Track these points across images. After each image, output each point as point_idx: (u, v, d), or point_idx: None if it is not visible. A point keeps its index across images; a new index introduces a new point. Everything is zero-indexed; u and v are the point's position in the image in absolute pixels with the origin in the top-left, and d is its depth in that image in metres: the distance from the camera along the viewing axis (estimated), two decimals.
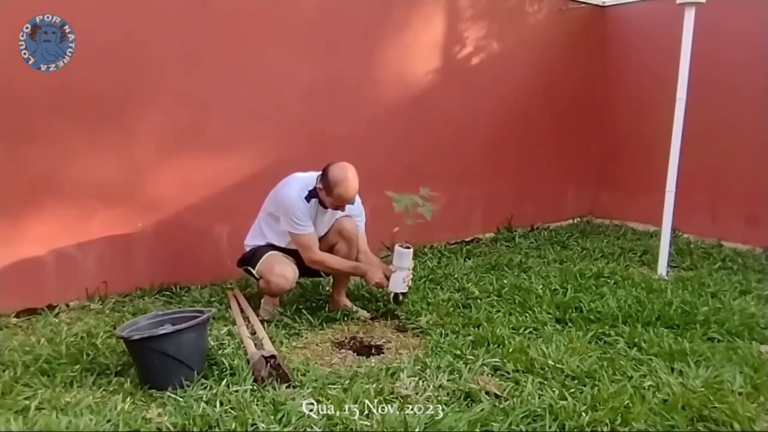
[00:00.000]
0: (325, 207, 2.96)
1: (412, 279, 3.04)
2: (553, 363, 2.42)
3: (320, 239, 3.07)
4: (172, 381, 2.23)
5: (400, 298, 2.99)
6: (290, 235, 2.95)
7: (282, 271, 2.90)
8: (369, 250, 3.17)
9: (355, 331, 2.90)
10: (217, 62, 3.50)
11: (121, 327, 2.40)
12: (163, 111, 3.37)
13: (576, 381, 2.30)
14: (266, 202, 3.08)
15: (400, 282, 2.92)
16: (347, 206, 2.98)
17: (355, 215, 3.10)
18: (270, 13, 3.65)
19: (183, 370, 2.25)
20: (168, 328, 2.31)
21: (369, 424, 1.99)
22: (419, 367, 2.42)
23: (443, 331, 2.83)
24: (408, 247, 2.93)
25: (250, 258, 3.04)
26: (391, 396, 2.19)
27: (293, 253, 3.03)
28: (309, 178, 2.97)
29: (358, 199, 3.08)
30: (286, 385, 2.25)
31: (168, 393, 2.17)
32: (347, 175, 2.82)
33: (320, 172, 2.91)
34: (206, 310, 2.47)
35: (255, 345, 2.56)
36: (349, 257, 3.08)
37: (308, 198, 2.92)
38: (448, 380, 2.30)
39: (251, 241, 3.12)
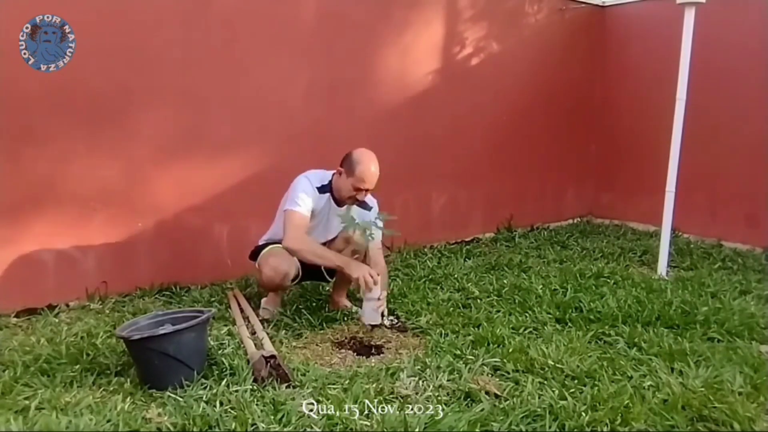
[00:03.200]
0: (339, 204, 2.92)
1: (387, 308, 2.85)
2: (553, 363, 2.41)
3: (328, 244, 3.05)
4: (172, 381, 2.22)
5: (375, 329, 2.84)
6: (284, 215, 2.83)
7: (276, 264, 2.84)
8: (384, 264, 3.04)
9: (355, 331, 2.90)
10: (218, 62, 3.50)
11: (121, 327, 2.40)
12: (163, 111, 3.37)
13: (576, 381, 2.30)
14: (281, 204, 3.01)
15: (371, 312, 2.77)
16: (366, 212, 2.95)
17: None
18: (270, 14, 3.65)
19: (183, 370, 2.25)
20: (168, 328, 2.30)
21: (369, 424, 1.98)
22: (419, 367, 2.42)
23: (443, 331, 2.83)
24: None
25: (258, 252, 3.03)
26: (391, 396, 2.19)
27: None
28: (325, 174, 2.95)
29: (376, 206, 3.04)
30: (286, 385, 2.25)
31: (168, 393, 2.17)
32: (371, 157, 2.84)
33: (339, 166, 2.89)
34: (206, 310, 2.46)
35: (255, 345, 2.56)
36: None
37: (321, 190, 2.90)
38: (448, 380, 2.30)
39: (265, 237, 3.11)
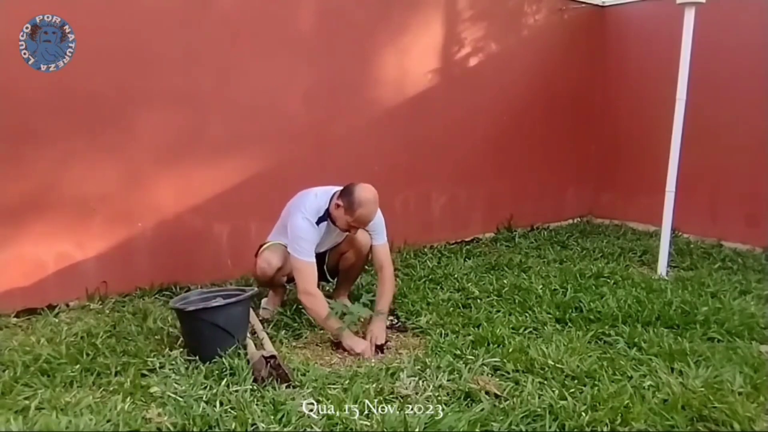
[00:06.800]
0: (336, 226, 2.84)
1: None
2: (553, 363, 2.42)
3: (332, 248, 3.09)
4: (218, 350, 2.45)
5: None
6: (292, 263, 2.81)
7: (267, 257, 2.93)
8: (391, 266, 2.98)
9: (355, 331, 2.90)
10: (217, 63, 3.50)
11: (172, 300, 2.67)
12: (163, 111, 3.37)
13: (576, 381, 2.30)
14: (284, 213, 3.00)
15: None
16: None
17: (374, 230, 2.95)
18: (270, 15, 3.65)
19: (229, 340, 2.48)
20: (219, 302, 2.55)
21: (369, 424, 1.99)
22: (419, 367, 2.43)
23: (443, 331, 2.83)
24: None
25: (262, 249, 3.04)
26: (391, 396, 2.19)
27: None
28: (322, 198, 2.84)
29: (379, 212, 2.92)
30: (286, 385, 2.26)
31: (168, 393, 2.17)
32: (373, 198, 2.71)
33: (338, 188, 2.80)
34: (248, 289, 2.73)
35: (255, 345, 2.56)
36: (355, 267, 3.14)
37: (318, 221, 2.81)
38: (448, 380, 2.30)
39: (272, 237, 3.09)
